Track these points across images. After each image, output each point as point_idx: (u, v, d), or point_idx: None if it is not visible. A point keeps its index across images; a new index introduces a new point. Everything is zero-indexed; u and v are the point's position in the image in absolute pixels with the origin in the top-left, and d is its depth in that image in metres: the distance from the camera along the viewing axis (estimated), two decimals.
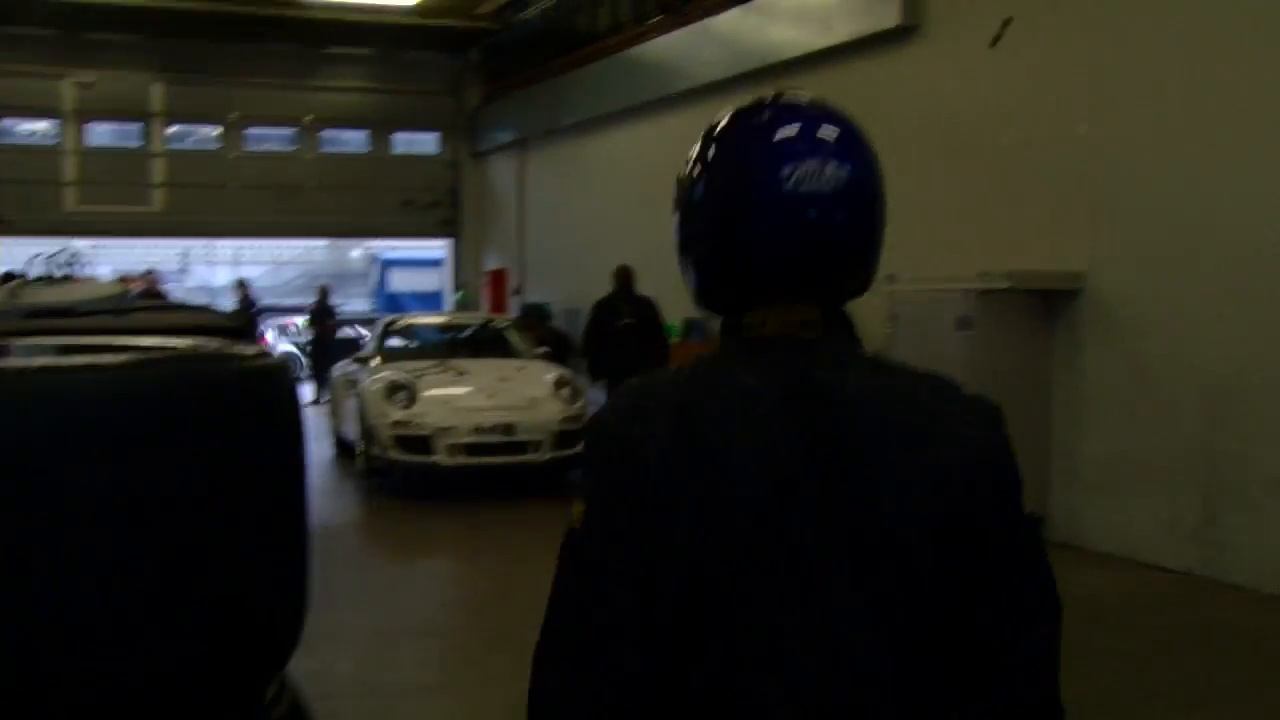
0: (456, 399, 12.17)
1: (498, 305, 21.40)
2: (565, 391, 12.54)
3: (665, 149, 16.50)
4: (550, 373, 12.95)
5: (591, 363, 13.07)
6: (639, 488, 1.59)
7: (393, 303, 37.36)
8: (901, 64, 11.63)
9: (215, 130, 22.08)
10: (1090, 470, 9.19)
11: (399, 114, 22.79)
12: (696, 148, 1.71)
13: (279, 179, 21.84)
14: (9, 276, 15.98)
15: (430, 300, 37.71)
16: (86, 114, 21.09)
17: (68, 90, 20.83)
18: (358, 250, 40.95)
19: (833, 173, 1.62)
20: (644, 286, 14.53)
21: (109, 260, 28.30)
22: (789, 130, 1.64)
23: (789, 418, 1.60)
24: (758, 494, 1.57)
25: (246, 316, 20.69)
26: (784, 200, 1.60)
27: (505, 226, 21.43)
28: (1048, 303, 9.46)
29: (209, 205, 21.54)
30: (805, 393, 1.61)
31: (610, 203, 17.78)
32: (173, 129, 21.95)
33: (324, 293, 22.90)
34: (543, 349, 14.42)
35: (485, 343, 14.58)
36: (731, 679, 1.57)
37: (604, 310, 13.12)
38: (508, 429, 11.94)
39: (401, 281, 38.58)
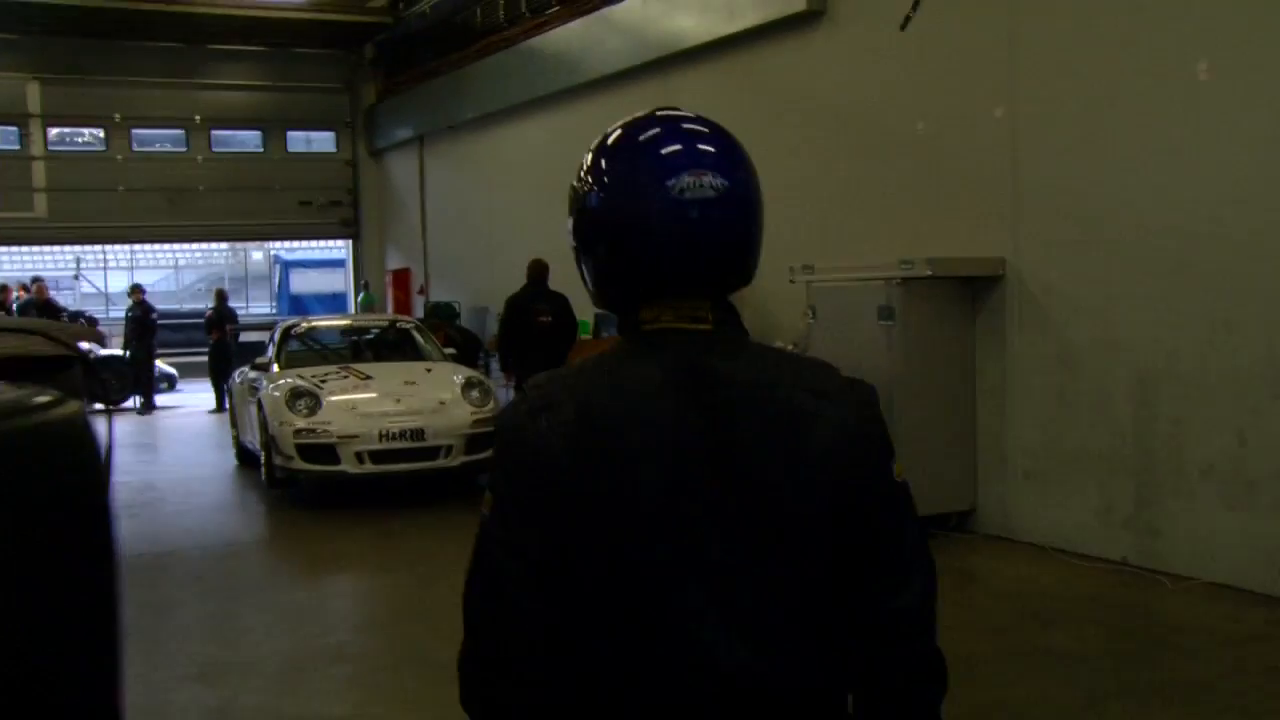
0: (362, 404, 11.72)
1: (402, 306, 20.91)
2: (475, 393, 12.14)
3: (568, 141, 16.24)
4: (459, 374, 12.54)
5: (510, 360, 12.69)
6: (548, 478, 1.73)
7: (296, 305, 36.76)
8: (809, 50, 11.38)
9: (100, 132, 21.22)
10: (1020, 459, 8.99)
11: (293, 112, 22.18)
12: (589, 158, 1.86)
13: (170, 181, 21.15)
14: None
15: (334, 302, 37.30)
16: None
17: None
18: (259, 253, 40.09)
19: (712, 181, 1.78)
20: (552, 282, 14.20)
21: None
22: (674, 144, 1.82)
23: (685, 405, 1.75)
24: (659, 477, 1.72)
25: (134, 327, 19.97)
26: (672, 206, 1.76)
27: (407, 225, 20.93)
28: (970, 290, 9.25)
29: (97, 209, 20.78)
30: (699, 381, 1.76)
31: (514, 198, 17.38)
32: (55, 131, 21.02)
33: (221, 297, 22.17)
34: (450, 350, 13.99)
35: (391, 345, 14.12)
36: (641, 651, 1.72)
37: (519, 306, 12.72)
38: (417, 434, 11.51)
39: (303, 283, 37.98)
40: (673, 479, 1.73)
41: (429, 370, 12.82)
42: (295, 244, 33.12)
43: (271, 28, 20.83)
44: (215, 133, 21.97)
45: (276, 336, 13.78)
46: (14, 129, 20.58)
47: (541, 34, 16.11)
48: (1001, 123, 9.05)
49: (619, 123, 1.89)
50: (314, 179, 22.23)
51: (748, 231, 1.85)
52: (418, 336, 13.98)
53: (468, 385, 12.23)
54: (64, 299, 33.47)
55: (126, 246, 33.25)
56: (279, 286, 40.02)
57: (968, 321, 9.29)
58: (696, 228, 1.78)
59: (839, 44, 10.99)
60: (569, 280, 15.11)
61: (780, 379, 1.81)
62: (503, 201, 17.71)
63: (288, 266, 39.14)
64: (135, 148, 21.44)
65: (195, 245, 30.59)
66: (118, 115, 20.97)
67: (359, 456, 11.32)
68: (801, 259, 10.25)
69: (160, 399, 21.93)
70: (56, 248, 24.46)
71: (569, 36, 15.45)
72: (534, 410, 1.78)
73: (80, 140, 21.70)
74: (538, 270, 12.95)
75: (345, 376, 12.33)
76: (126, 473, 14.38)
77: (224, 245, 32.03)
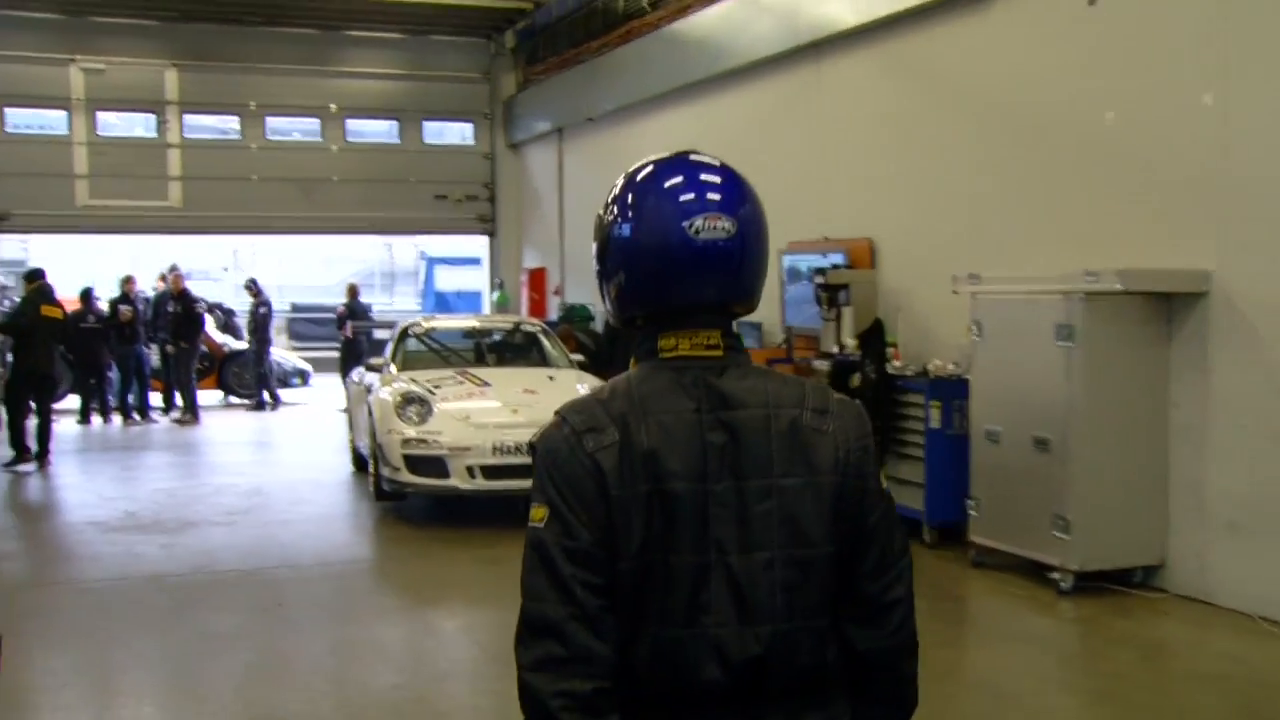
0: (476, 414, 10.79)
1: (537, 307, 20.05)
2: None
3: (713, 132, 15.27)
4: (584, 383, 11.55)
5: (603, 369, 12.10)
6: (600, 490, 2.03)
7: (440, 302, 36.55)
8: (979, 33, 10.11)
9: (234, 120, 20.78)
10: (1222, 508, 7.63)
11: (430, 102, 21.45)
12: (616, 192, 2.19)
13: (303, 171, 20.59)
14: (38, 273, 14.75)
15: (475, 300, 36.83)
16: (97, 103, 19.91)
17: (76, 77, 19.68)
18: (409, 248, 39.88)
19: (724, 224, 2.10)
20: None
21: (144, 255, 27.39)
22: (692, 188, 2.13)
23: (709, 425, 2.08)
24: (690, 489, 2.05)
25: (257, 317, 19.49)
26: (687, 244, 2.08)
27: (544, 222, 20.08)
28: (1166, 308, 7.92)
29: (230, 199, 20.33)
30: (719, 404, 2.10)
31: None
32: (190, 119, 20.64)
33: (353, 292, 21.60)
34: (578, 356, 13.03)
35: (515, 349, 13.23)
36: (669, 644, 2.04)
37: None
38: (534, 449, 10.51)
39: (448, 280, 37.63)
40: (700, 490, 2.06)
41: (552, 378, 11.86)
42: (438, 240, 32.70)
43: (409, 14, 20.18)
44: (350, 122, 21.34)
45: (395, 336, 12.98)
46: (152, 116, 20.19)
47: (685, 18, 15.04)
48: (1211, 111, 7.69)
49: (645, 161, 2.20)
50: (450, 172, 21.48)
51: (752, 265, 2.16)
52: (544, 341, 13.04)
53: None
54: (217, 291, 33.68)
55: (279, 238, 33.07)
56: (424, 283, 39.82)
57: (1162, 344, 7.96)
58: (708, 264, 2.10)
59: (1013, 24, 9.71)
60: None
61: (787, 399, 2.13)
62: None
63: (433, 263, 38.81)
64: (269, 136, 20.92)
65: (329, 237, 29.83)
66: (252, 103, 20.50)
67: (470, 471, 10.42)
68: (965, 266, 9.06)
69: (292, 395, 21.46)
70: (205, 237, 23.98)
71: (715, 20, 14.36)
72: (579, 432, 2.07)
73: (215, 129, 21.19)
74: None
75: (461, 382, 11.44)
76: (237, 474, 13.75)
77: (362, 238, 31.41)
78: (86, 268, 26.14)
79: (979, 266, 8.95)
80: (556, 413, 2.17)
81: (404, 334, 12.96)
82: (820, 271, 10.86)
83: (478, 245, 24.13)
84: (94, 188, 19.76)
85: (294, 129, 21.67)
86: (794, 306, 12.36)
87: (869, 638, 2.16)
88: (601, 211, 2.20)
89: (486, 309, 22.53)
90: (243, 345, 20.74)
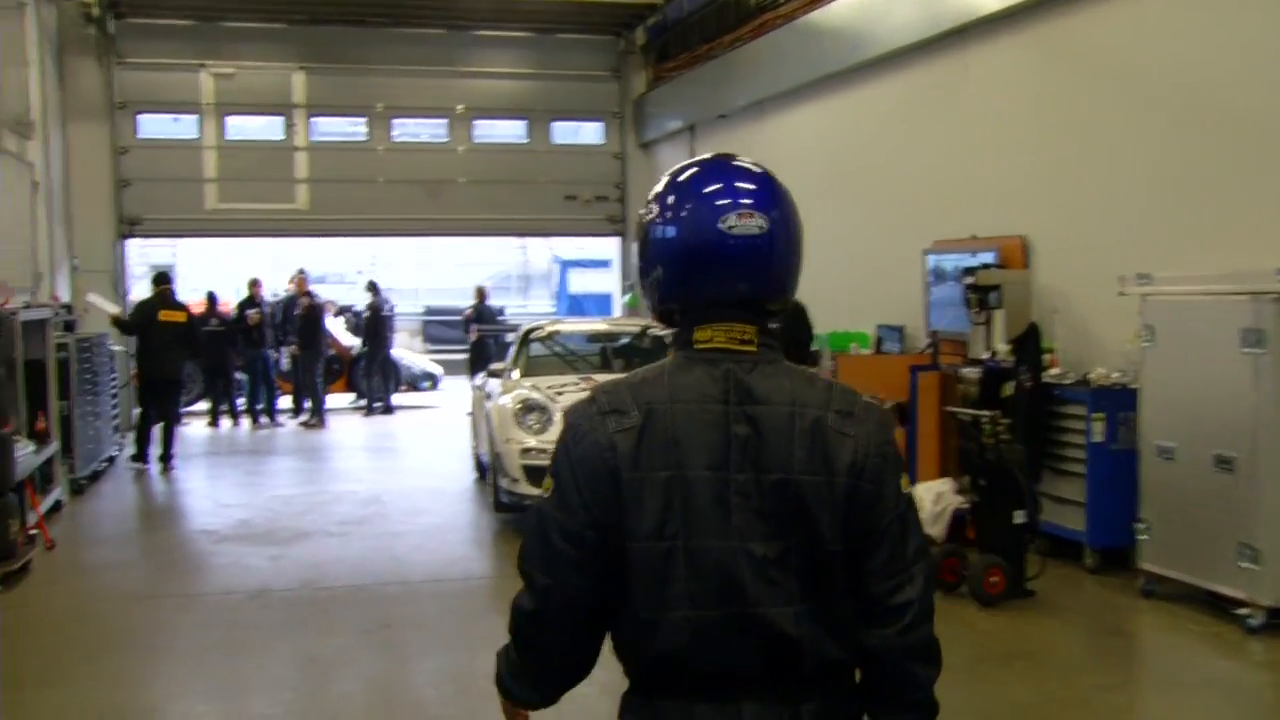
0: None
1: None
2: None
3: (851, 126, 14.55)
4: None
5: None
6: (611, 470, 2.15)
7: (574, 305, 36.19)
8: (1143, 11, 9.23)
9: (361, 122, 20.54)
10: None
11: (559, 101, 20.94)
12: (658, 191, 2.31)
13: (430, 173, 20.21)
14: (164, 277, 14.66)
15: (605, 302, 36.37)
16: (226, 107, 19.79)
17: (206, 82, 19.59)
18: (545, 251, 39.58)
19: (758, 221, 2.21)
20: (815, 287, 12.56)
21: (286, 258, 27.43)
22: (727, 188, 2.24)
23: (733, 417, 2.17)
24: (710, 477, 2.15)
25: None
26: (722, 240, 2.20)
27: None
28: None
29: (356, 201, 20.06)
30: (745, 397, 2.18)
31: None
32: (317, 121, 20.46)
33: (481, 295, 21.28)
34: None
35: (642, 355, 12.61)
36: (704, 615, 2.15)
37: None
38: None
39: (580, 283, 37.25)
40: (721, 479, 2.16)
41: None
42: (570, 242, 32.32)
43: (538, 12, 19.73)
44: (477, 123, 20.92)
45: (518, 340, 12.47)
46: (280, 119, 20.04)
47: (821, 8, 14.28)
48: None
49: (685, 163, 2.33)
50: (580, 172, 20.96)
51: (785, 262, 2.28)
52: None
53: None
54: (353, 295, 33.59)
55: (414, 241, 32.93)
56: (558, 286, 39.55)
57: None
58: (741, 259, 2.21)
59: (1179, 2, 8.83)
60: (814, 291, 13.30)
61: (812, 400, 2.21)
62: None
63: (565, 266, 38.50)
64: (396, 138, 20.61)
65: (468, 241, 29.55)
66: (379, 105, 20.20)
67: None
68: (1129, 265, 8.22)
69: (420, 398, 21.20)
70: (343, 240, 23.82)
71: (852, 9, 13.59)
72: (604, 412, 2.19)
73: (342, 131, 20.95)
74: None
75: (585, 389, 10.84)
76: (357, 481, 13.38)
77: (497, 241, 31.15)
78: (230, 271, 26.22)
79: (1146, 265, 8.10)
80: (591, 390, 2.31)
81: (527, 338, 12.45)
82: (969, 271, 10.03)
83: (608, 247, 23.61)
84: (223, 191, 19.68)
85: (421, 130, 21.31)
86: (939, 309, 11.56)
87: (876, 636, 2.21)
88: (643, 210, 2.32)
89: (617, 312, 21.97)
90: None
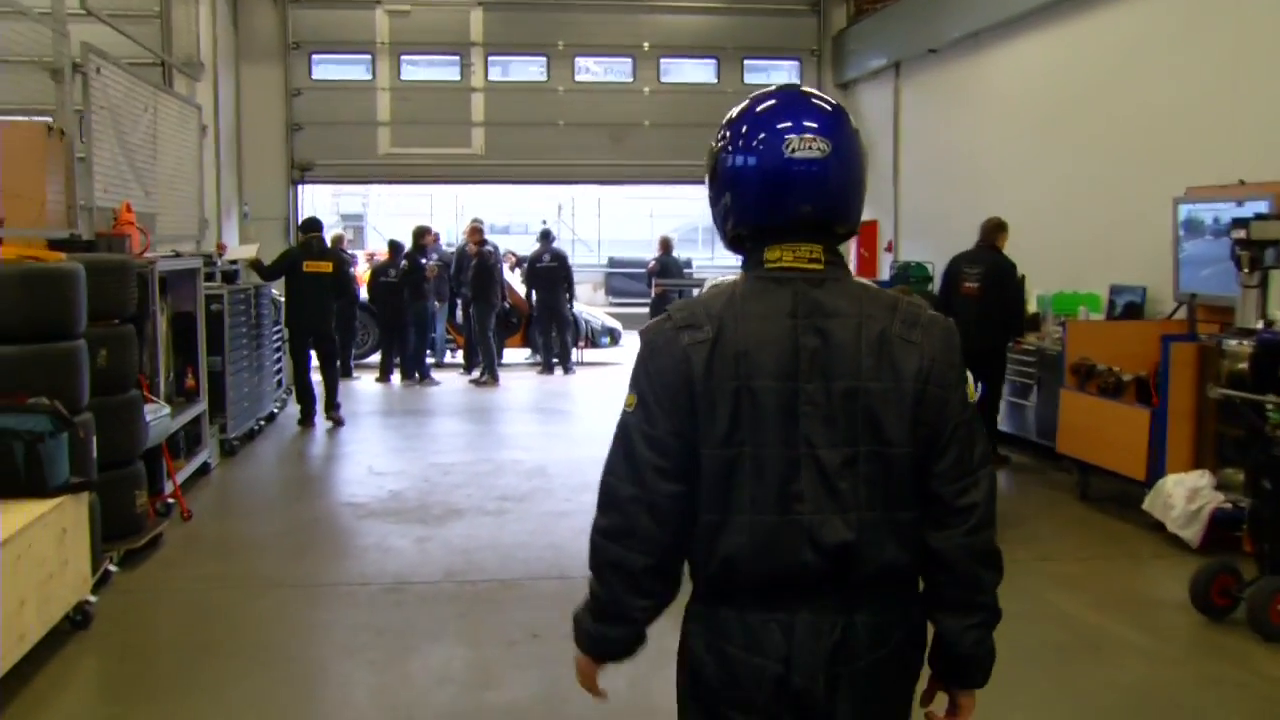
0: None
1: (866, 266, 17.91)
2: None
3: (1083, 60, 12.75)
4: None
5: None
6: (686, 380, 2.27)
7: None
8: None
9: (541, 62, 19.39)
10: None
11: (752, 38, 19.48)
12: (726, 121, 2.41)
13: (613, 116, 19.01)
14: (312, 224, 13.87)
15: None
16: (401, 46, 18.88)
17: (381, 21, 18.70)
18: None
19: (819, 144, 2.29)
20: (1037, 242, 11.14)
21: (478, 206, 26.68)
22: (789, 113, 2.35)
23: (802, 330, 2.27)
24: (779, 386, 2.25)
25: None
26: (784, 163, 2.30)
27: (876, 170, 17.85)
28: None
29: (534, 146, 19.01)
30: (813, 310, 2.29)
31: (1006, 134, 13.95)
32: (495, 61, 19.40)
33: (666, 246, 20.08)
34: None
35: None
36: (763, 527, 2.26)
37: (950, 270, 11.19)
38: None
39: None
40: (790, 389, 2.25)
41: None
42: None
43: None
44: (665, 62, 19.57)
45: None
46: (456, 59, 19.04)
47: None
48: None
49: (755, 94, 2.43)
50: None
51: (848, 185, 2.37)
52: None
53: None
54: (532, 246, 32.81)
55: (601, 189, 31.90)
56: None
57: None
58: (803, 181, 2.30)
59: None
60: (1036, 247, 11.65)
61: (878, 312, 2.30)
62: (993, 139, 14.30)
63: None
64: (577, 79, 19.42)
65: (655, 189, 28.37)
66: (560, 43, 19.04)
67: None
68: None
69: (601, 355, 20.12)
70: (514, 187, 22.76)
71: None
72: (678, 327, 2.31)
73: (521, 71, 19.84)
74: (986, 230, 11.07)
75: None
76: (524, 449, 12.28)
77: (684, 190, 29.86)
78: (418, 219, 25.58)
79: None
80: (665, 309, 2.42)
81: None
82: (1239, 224, 8.31)
83: None
84: (395, 135, 18.81)
85: (604, 70, 20.07)
86: (1192, 268, 9.84)
87: (942, 538, 2.30)
88: (712, 143, 2.43)
89: None
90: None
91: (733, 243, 2.43)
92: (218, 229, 15.88)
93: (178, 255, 10.94)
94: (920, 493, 2.31)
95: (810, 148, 2.28)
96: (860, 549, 2.24)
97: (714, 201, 2.43)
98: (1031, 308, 12.11)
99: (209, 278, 12.40)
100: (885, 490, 2.27)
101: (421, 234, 17.75)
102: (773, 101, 2.39)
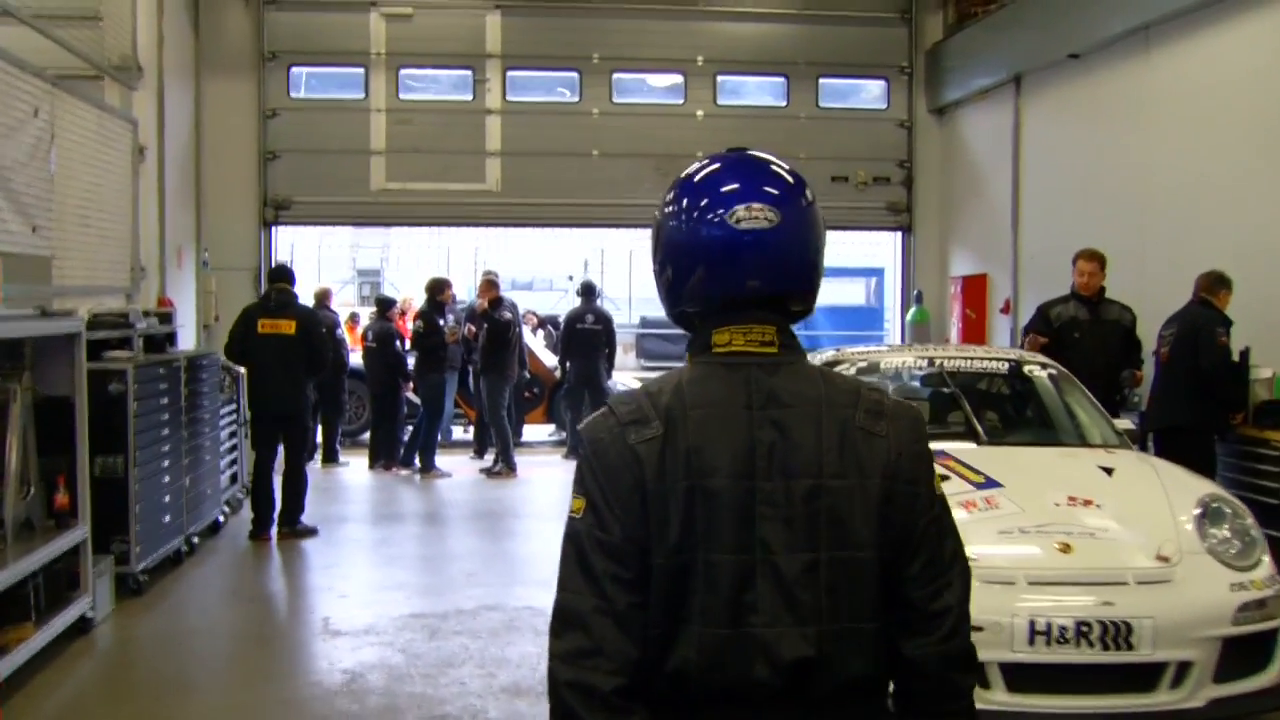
0: (989, 555, 5.45)
1: (974, 329, 14.42)
2: (1224, 533, 5.78)
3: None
4: (1180, 486, 6.16)
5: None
6: (637, 482, 2.07)
7: (808, 320, 31.02)
8: None
9: (571, 78, 15.97)
10: None
11: (828, 52, 15.95)
12: (669, 189, 2.26)
13: (658, 144, 15.37)
14: (279, 273, 10.56)
15: (856, 318, 31.78)
16: (400, 58, 15.43)
17: (377, 26, 15.30)
18: None
19: (766, 214, 2.13)
20: (1248, 292, 7.80)
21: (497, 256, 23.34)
22: (734, 181, 2.19)
23: (758, 423, 2.09)
24: (734, 486, 2.07)
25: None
26: (727, 234, 2.14)
27: (987, 209, 14.49)
28: None
29: (562, 182, 15.53)
30: (767, 400, 2.11)
31: (1192, 152, 10.48)
32: (515, 77, 15.94)
33: None
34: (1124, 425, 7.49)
35: (1013, 407, 7.81)
36: (716, 642, 2.06)
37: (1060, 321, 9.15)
38: (1116, 632, 5.20)
39: (822, 294, 31.96)
40: (746, 488, 2.07)
41: (1109, 471, 6.35)
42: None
43: None
44: (722, 79, 16.01)
45: None
46: (468, 74, 15.63)
47: None
48: None
49: (694, 163, 2.26)
50: (854, 146, 15.90)
51: (801, 258, 2.18)
52: (1063, 393, 7.47)
53: (1208, 514, 5.79)
54: (561, 304, 29.59)
55: (631, 234, 28.30)
56: None
57: None
58: (750, 253, 2.14)
59: None
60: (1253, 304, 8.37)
61: (840, 399, 2.13)
62: (1167, 160, 10.83)
63: None
64: (616, 99, 15.91)
65: None
66: (595, 55, 15.58)
67: (1006, 675, 5.26)
68: None
69: None
70: (539, 233, 19.06)
71: None
72: (624, 424, 2.10)
73: (547, 89, 16.36)
74: (1202, 284, 8.78)
75: (945, 476, 5.98)
76: (544, 585, 8.59)
77: None
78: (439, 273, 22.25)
79: None
80: (605, 403, 2.24)
81: None
82: None
83: (877, 247, 18.65)
84: (392, 167, 15.33)
85: (648, 90, 16.56)
86: None
87: (916, 645, 2.14)
88: (657, 212, 2.28)
89: (895, 332, 16.95)
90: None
91: (678, 320, 2.28)
92: (160, 279, 12.48)
93: (45, 314, 7.49)
94: (889, 598, 2.13)
95: (756, 216, 2.14)
96: (821, 664, 2.08)
97: (657, 275, 2.29)
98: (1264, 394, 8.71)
99: (119, 344, 9.15)
100: (850, 598, 2.10)
101: (438, 288, 14.45)
102: (718, 165, 2.26)
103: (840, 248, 34.32)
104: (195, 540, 9.96)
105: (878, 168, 16.08)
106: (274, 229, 15.29)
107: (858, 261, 33.89)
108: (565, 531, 2.14)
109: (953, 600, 2.13)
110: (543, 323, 19.83)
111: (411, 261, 34.61)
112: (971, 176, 15.13)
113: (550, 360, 17.19)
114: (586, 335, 15.07)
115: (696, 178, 2.23)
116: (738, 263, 2.14)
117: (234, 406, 12.17)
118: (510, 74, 15.67)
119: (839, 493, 2.08)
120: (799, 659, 2.06)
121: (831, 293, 32.06)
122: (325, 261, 32.83)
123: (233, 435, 12.07)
